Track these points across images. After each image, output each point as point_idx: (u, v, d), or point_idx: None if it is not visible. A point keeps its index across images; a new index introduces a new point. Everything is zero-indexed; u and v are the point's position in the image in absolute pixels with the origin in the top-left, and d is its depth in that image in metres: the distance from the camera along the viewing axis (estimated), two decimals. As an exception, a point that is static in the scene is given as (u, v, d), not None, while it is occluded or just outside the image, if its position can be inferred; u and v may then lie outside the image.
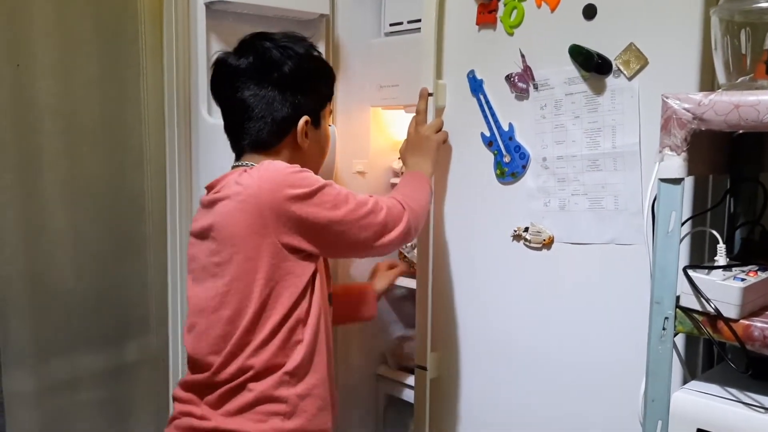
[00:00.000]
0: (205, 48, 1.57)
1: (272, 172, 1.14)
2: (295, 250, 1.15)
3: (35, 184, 1.90)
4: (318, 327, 1.19)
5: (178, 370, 1.68)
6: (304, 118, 1.25)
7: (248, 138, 1.24)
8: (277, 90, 1.22)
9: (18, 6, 1.83)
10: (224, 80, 1.26)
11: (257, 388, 1.14)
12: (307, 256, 1.16)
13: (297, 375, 1.16)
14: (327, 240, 1.17)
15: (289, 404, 1.15)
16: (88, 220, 1.99)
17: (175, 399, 1.24)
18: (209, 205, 1.19)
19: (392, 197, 1.27)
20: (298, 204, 1.12)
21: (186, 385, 1.22)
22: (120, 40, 2.06)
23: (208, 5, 1.56)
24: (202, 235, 1.19)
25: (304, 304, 1.17)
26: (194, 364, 1.21)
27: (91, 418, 2.02)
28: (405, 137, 1.47)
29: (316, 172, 1.20)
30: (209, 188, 1.24)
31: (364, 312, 1.58)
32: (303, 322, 1.17)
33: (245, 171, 1.17)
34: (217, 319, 1.16)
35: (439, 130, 1.44)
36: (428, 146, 1.41)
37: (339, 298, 1.43)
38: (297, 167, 1.17)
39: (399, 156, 1.50)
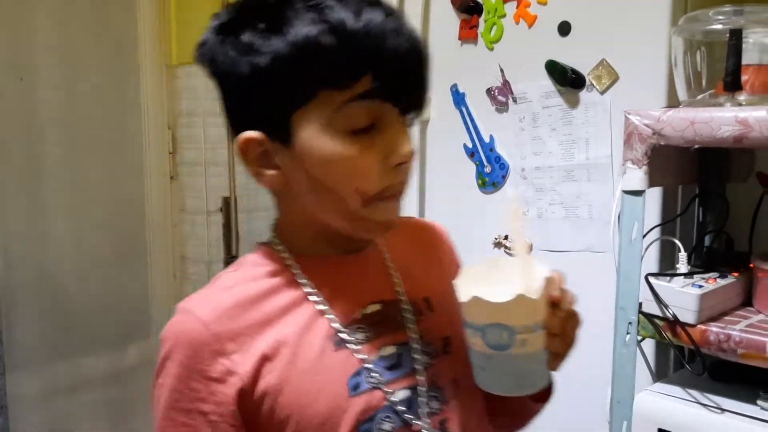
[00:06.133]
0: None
1: None
2: None
3: (38, 193, 1.97)
4: None
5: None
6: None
7: None
8: None
9: (20, 21, 1.89)
10: None
11: None
12: None
13: None
14: None
15: None
16: (90, 227, 2.06)
17: None
18: None
19: None
20: None
21: None
22: (120, 52, 2.12)
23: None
24: None
25: None
26: None
27: (93, 420, 2.08)
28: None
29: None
30: None
31: None
32: None
33: None
34: None
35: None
36: None
37: None
38: None
39: None
